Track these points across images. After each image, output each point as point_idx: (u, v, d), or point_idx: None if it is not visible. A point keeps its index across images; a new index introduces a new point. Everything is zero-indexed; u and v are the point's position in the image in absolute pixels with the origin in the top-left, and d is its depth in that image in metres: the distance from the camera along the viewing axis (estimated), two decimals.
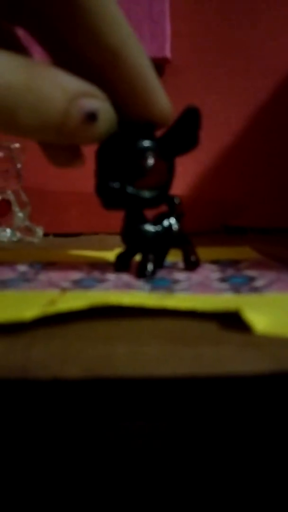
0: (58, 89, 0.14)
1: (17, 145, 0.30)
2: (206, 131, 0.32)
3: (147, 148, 0.17)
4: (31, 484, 0.11)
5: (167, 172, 0.18)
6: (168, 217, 0.19)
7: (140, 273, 0.18)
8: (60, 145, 0.18)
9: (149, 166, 0.17)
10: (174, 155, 0.18)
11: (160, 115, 0.17)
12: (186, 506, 0.11)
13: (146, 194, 0.18)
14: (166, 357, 0.11)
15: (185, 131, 0.18)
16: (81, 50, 0.16)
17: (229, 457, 0.11)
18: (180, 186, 0.32)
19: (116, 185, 0.17)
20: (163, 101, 0.17)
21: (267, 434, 0.11)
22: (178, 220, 0.19)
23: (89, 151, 0.18)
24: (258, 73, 0.32)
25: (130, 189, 0.17)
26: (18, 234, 0.31)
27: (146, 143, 0.17)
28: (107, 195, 0.17)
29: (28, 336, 0.12)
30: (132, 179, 0.17)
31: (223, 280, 0.17)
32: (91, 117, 0.15)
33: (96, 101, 0.15)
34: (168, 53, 0.32)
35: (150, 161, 0.17)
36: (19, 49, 0.19)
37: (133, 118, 0.17)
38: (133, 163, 0.17)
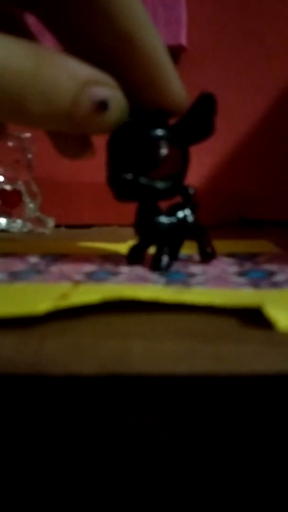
0: (68, 76, 0.14)
1: (28, 134, 0.30)
2: (222, 122, 0.31)
3: (160, 137, 0.16)
4: (43, 479, 0.11)
5: (182, 162, 0.17)
6: (182, 208, 0.18)
7: (155, 266, 0.17)
8: (69, 135, 0.18)
9: (163, 156, 0.16)
10: (189, 144, 0.18)
11: (175, 103, 0.17)
12: (199, 503, 0.11)
13: (160, 184, 0.17)
14: (184, 354, 0.10)
15: (199, 118, 0.17)
16: (93, 34, 0.16)
17: (249, 458, 0.11)
18: (195, 178, 0.32)
19: (129, 176, 0.16)
20: (178, 88, 0.17)
21: (284, 434, 0.11)
22: (193, 211, 0.19)
23: (101, 141, 0.18)
24: (277, 62, 0.31)
25: (143, 180, 0.17)
26: (29, 225, 0.31)
27: (159, 132, 0.16)
28: (120, 187, 0.17)
29: (40, 331, 0.11)
30: (145, 169, 0.16)
31: (241, 274, 0.17)
32: (102, 105, 0.14)
33: (107, 89, 0.14)
34: (184, 41, 0.31)
35: (164, 150, 0.16)
36: (28, 36, 0.18)
37: (146, 105, 0.17)
38: (146, 153, 0.16)
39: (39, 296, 0.13)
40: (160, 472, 0.11)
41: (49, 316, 0.12)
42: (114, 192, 0.17)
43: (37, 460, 0.11)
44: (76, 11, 0.15)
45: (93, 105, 0.14)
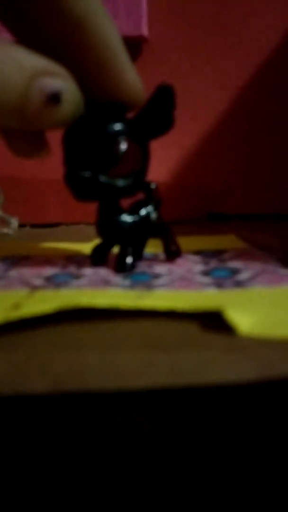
0: (16, 67, 0.13)
1: None
2: (188, 114, 0.30)
3: (119, 132, 0.16)
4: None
5: (142, 158, 0.17)
6: (145, 205, 0.18)
7: (119, 267, 0.17)
8: (22, 132, 0.17)
9: (122, 152, 0.16)
10: (149, 139, 0.17)
11: (130, 94, 0.16)
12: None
13: (120, 182, 0.16)
14: (142, 366, 0.10)
15: (159, 111, 0.16)
16: (42, 20, 0.15)
17: (214, 469, 0.11)
18: (162, 172, 0.31)
19: (87, 174, 0.16)
20: (132, 78, 0.16)
21: (254, 446, 0.10)
22: (156, 207, 0.18)
23: (60, 137, 0.17)
24: (242, 51, 0.31)
25: (102, 178, 0.16)
26: None
27: (118, 126, 0.16)
28: (78, 185, 0.16)
29: None
30: (104, 166, 0.16)
31: (206, 273, 0.16)
32: (54, 98, 0.13)
33: (58, 81, 0.13)
34: (145, 31, 0.30)
35: (123, 146, 0.16)
36: None
37: (100, 97, 0.16)
38: (104, 149, 0.15)
39: None
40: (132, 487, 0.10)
41: None
42: (73, 191, 0.16)
43: None
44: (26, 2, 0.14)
45: (44, 98, 0.13)
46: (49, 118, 0.14)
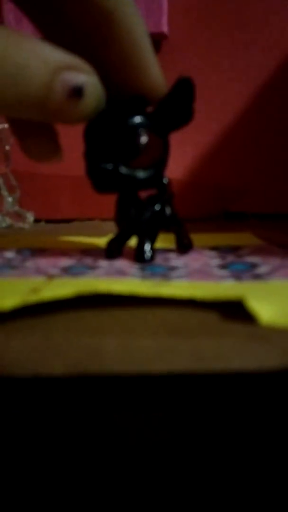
0: (39, 60, 0.13)
1: (5, 125, 0.29)
2: (205, 112, 0.30)
3: (139, 124, 0.16)
4: (9, 484, 0.10)
5: (163, 150, 0.17)
6: (158, 199, 0.18)
7: (139, 257, 0.17)
8: (36, 135, 0.17)
9: (143, 144, 0.16)
10: (168, 131, 0.17)
11: (153, 88, 0.16)
12: (182, 506, 0.10)
13: (141, 174, 0.16)
14: (162, 351, 0.10)
15: (178, 104, 0.16)
16: (72, 13, 0.15)
17: (229, 456, 0.10)
18: (177, 170, 0.31)
19: (109, 166, 0.16)
20: (156, 73, 0.16)
21: (272, 435, 0.10)
22: (168, 201, 0.18)
23: (79, 132, 0.17)
24: (260, 49, 0.31)
25: (124, 170, 0.16)
26: (8, 220, 0.30)
27: (138, 119, 0.16)
28: (100, 178, 0.16)
29: (7, 327, 0.10)
30: (125, 158, 0.16)
31: (223, 266, 0.16)
32: (77, 92, 0.13)
33: (82, 75, 0.14)
34: (165, 28, 0.30)
35: (144, 138, 0.16)
36: None
37: (124, 89, 0.16)
38: (125, 141, 0.15)
39: (8, 291, 0.12)
40: (140, 476, 0.10)
41: (17, 311, 0.11)
42: (94, 183, 0.16)
43: (3, 465, 0.10)
44: None
45: (67, 92, 0.13)
46: (71, 111, 0.14)
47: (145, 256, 0.17)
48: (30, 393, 0.10)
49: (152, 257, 0.17)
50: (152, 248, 0.17)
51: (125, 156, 0.16)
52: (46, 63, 0.13)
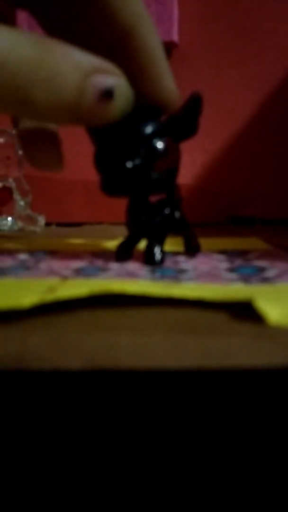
0: (72, 65, 0.13)
1: None
2: (214, 119, 0.31)
3: (159, 131, 0.16)
4: (28, 478, 0.11)
5: (177, 157, 0.18)
6: (167, 202, 0.18)
7: (149, 259, 0.17)
8: (42, 144, 0.18)
9: (162, 149, 0.16)
10: (177, 141, 0.18)
11: (167, 99, 0.17)
12: (192, 501, 0.11)
13: (156, 177, 0.17)
14: (172, 348, 0.10)
15: (187, 118, 0.17)
16: (91, 29, 0.16)
17: (237, 453, 0.11)
18: (186, 176, 0.32)
19: (137, 161, 0.16)
20: (171, 85, 0.17)
21: (279, 430, 0.11)
22: (177, 205, 0.19)
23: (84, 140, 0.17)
24: (269, 58, 0.31)
25: (145, 169, 0.16)
26: (20, 223, 0.30)
27: (154, 126, 0.16)
28: (120, 177, 0.16)
29: (26, 325, 0.11)
30: (146, 161, 0.16)
31: (231, 270, 0.17)
32: (107, 94, 0.14)
33: (112, 78, 0.14)
34: (175, 37, 0.31)
35: (163, 144, 0.16)
36: None
37: (140, 100, 0.17)
38: (147, 145, 0.16)
39: (26, 290, 0.13)
40: (148, 469, 0.11)
41: (35, 310, 0.11)
42: (109, 185, 0.17)
43: (20, 458, 0.11)
44: (73, 6, 0.15)
45: (98, 94, 0.14)
46: (102, 113, 0.14)
47: (155, 258, 0.17)
48: (48, 386, 0.10)
49: (162, 260, 0.17)
50: (162, 251, 0.18)
51: (146, 159, 0.16)
52: (78, 67, 0.14)
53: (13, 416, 0.10)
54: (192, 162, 0.31)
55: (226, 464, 0.11)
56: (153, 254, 0.17)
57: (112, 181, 0.16)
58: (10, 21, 0.18)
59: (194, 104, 0.17)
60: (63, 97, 0.14)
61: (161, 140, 0.16)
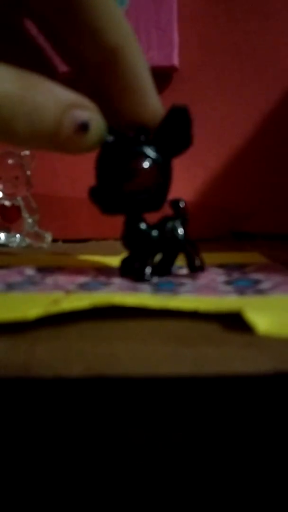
0: (53, 100, 0.15)
1: (27, 152, 0.31)
2: (214, 137, 0.32)
3: (139, 151, 0.17)
4: (32, 484, 0.11)
5: (162, 174, 0.18)
6: (172, 220, 0.19)
7: (138, 277, 0.18)
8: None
9: (140, 169, 0.17)
10: (170, 156, 0.18)
11: (152, 116, 0.18)
12: (186, 506, 0.11)
13: (142, 196, 0.18)
14: (168, 356, 0.11)
15: (174, 131, 0.18)
16: (80, 48, 0.17)
17: (230, 456, 0.11)
18: (187, 192, 0.33)
19: (112, 188, 0.17)
20: (155, 103, 0.18)
21: (268, 434, 0.11)
22: (182, 223, 0.19)
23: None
24: (267, 78, 0.33)
25: (125, 192, 0.17)
26: (27, 240, 0.32)
27: (139, 147, 0.17)
28: (104, 199, 0.18)
29: (32, 335, 0.12)
30: (124, 181, 0.17)
31: (228, 283, 0.17)
32: (83, 127, 0.15)
33: (88, 112, 0.16)
34: (176, 61, 0.32)
35: (143, 163, 0.17)
36: (28, 41, 0.19)
37: (125, 117, 0.18)
38: (127, 166, 0.17)
39: (32, 303, 0.14)
40: (147, 473, 0.11)
41: (40, 321, 0.12)
42: (100, 205, 0.18)
43: (27, 460, 0.11)
44: (62, 24, 0.17)
45: (75, 127, 0.15)
46: (78, 143, 0.16)
47: (144, 276, 0.18)
48: (52, 392, 0.11)
49: (152, 277, 0.18)
50: (161, 269, 0.18)
51: (126, 179, 0.17)
52: (57, 102, 0.15)
53: (20, 420, 0.11)
54: (193, 178, 0.32)
55: (221, 464, 0.11)
56: (142, 272, 0.18)
57: (102, 200, 0.18)
58: (18, 28, 0.19)
59: (178, 116, 0.17)
60: (43, 129, 0.15)
61: (141, 161, 0.17)
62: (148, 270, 0.18)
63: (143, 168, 0.17)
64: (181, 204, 0.19)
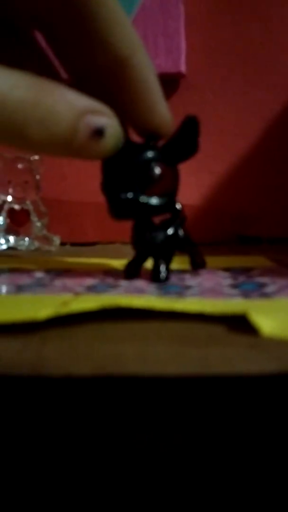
0: (67, 105, 0.15)
1: (36, 157, 0.31)
2: (220, 142, 0.32)
3: (152, 158, 0.18)
4: (37, 481, 0.12)
5: (174, 180, 0.19)
6: (172, 222, 0.20)
7: (155, 277, 0.18)
8: None
9: (157, 175, 0.18)
10: (177, 162, 0.19)
11: (161, 124, 0.18)
12: (189, 506, 0.12)
13: (155, 201, 0.18)
14: (174, 357, 0.11)
15: (186, 139, 0.18)
16: (89, 58, 0.17)
17: (234, 455, 0.12)
18: (194, 197, 0.33)
19: (129, 195, 0.18)
20: (164, 111, 0.18)
21: (272, 434, 0.11)
22: (181, 224, 0.20)
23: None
24: (272, 85, 0.33)
25: (142, 198, 0.18)
26: (36, 243, 0.32)
27: (151, 153, 0.18)
28: (120, 206, 0.18)
29: (41, 336, 0.12)
30: (142, 188, 0.18)
31: (234, 286, 0.18)
32: (98, 133, 0.15)
33: (103, 118, 0.16)
34: (183, 68, 0.33)
35: (157, 170, 0.18)
36: (37, 51, 0.20)
37: (135, 126, 0.18)
38: (142, 173, 0.18)
39: (41, 304, 0.14)
40: (151, 472, 0.12)
41: (50, 322, 0.13)
42: (114, 212, 0.18)
43: (39, 459, 0.12)
44: (71, 36, 0.17)
45: (90, 133, 0.15)
46: (93, 149, 0.16)
47: (161, 276, 0.18)
48: (61, 390, 0.11)
49: (167, 277, 0.19)
50: (167, 269, 0.19)
51: (142, 186, 0.18)
52: (73, 108, 0.15)
53: (30, 416, 0.12)
54: (199, 183, 0.33)
55: (225, 462, 0.11)
56: (158, 272, 0.18)
57: (114, 207, 0.18)
58: (29, 39, 0.20)
59: (188, 126, 0.18)
60: (57, 135, 0.15)
61: (155, 167, 0.18)
62: (164, 270, 0.18)
63: (161, 174, 0.18)
64: (178, 207, 0.20)
